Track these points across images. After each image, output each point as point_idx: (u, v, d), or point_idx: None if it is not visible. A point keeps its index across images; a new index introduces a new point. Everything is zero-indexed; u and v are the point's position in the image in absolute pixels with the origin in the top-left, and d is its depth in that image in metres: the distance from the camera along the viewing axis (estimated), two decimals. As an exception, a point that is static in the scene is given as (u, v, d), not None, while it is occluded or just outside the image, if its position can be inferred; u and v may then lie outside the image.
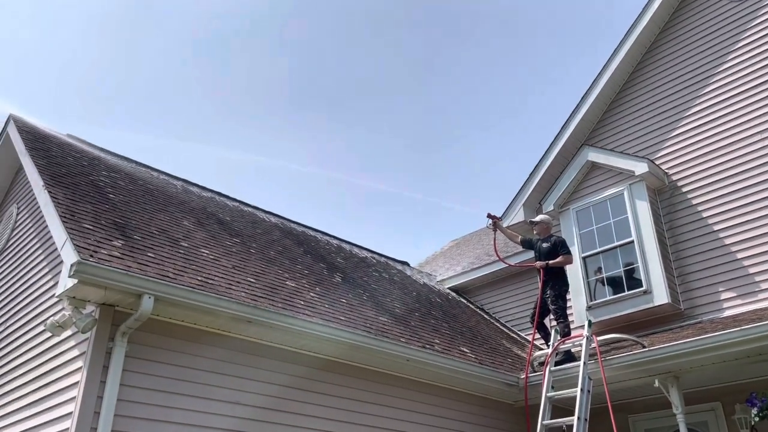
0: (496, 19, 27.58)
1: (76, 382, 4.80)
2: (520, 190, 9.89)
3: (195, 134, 28.97)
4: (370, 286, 8.91)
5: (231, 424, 5.32)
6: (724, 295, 7.90)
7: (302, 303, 6.32)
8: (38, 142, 7.44)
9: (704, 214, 8.37)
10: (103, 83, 27.10)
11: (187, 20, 25.68)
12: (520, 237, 8.55)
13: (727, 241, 8.06)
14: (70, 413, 4.69)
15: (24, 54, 25.62)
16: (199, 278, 5.50)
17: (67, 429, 4.63)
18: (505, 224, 9.60)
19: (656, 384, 6.50)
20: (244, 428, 5.38)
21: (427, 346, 6.99)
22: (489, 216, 8.44)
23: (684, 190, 8.67)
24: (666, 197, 8.82)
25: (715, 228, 8.22)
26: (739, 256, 7.90)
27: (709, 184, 8.45)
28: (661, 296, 8.06)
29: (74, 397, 4.72)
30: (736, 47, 8.74)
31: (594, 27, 28.02)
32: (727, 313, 7.76)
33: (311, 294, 6.83)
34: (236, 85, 28.74)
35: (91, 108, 27.37)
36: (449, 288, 11.32)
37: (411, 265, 12.53)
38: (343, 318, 6.49)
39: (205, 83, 28.28)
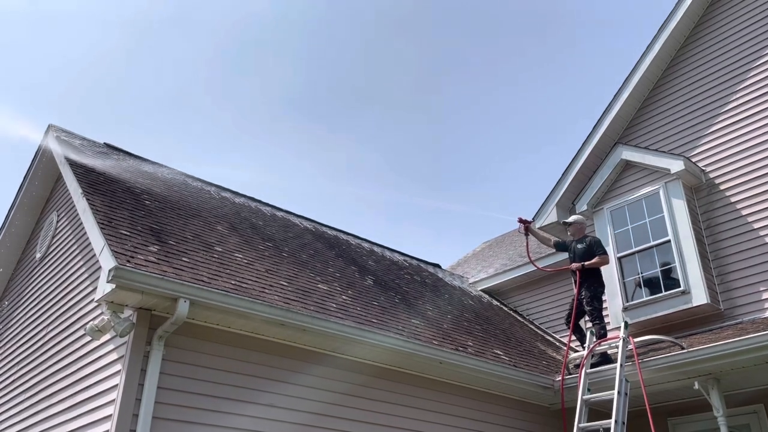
0: (520, 19, 27.39)
1: (115, 385, 4.90)
2: (553, 190, 9.78)
3: (214, 145, 29.40)
4: (401, 288, 8.90)
5: (266, 426, 5.36)
6: (765, 295, 7.70)
7: (334, 306, 6.35)
8: (76, 150, 7.63)
9: (743, 212, 8.17)
10: (128, 93, 27.68)
11: (210, 30, 26.07)
12: (553, 240, 8.44)
13: (768, 240, 7.86)
14: (110, 416, 4.78)
15: (56, 65, 26.33)
16: (233, 282, 5.57)
17: (107, 431, 4.72)
18: (537, 225, 9.51)
19: (696, 386, 6.36)
20: (279, 430, 5.42)
21: (460, 348, 6.96)
22: (520, 220, 8.31)
23: (722, 187, 8.48)
24: (703, 195, 8.64)
25: (756, 226, 8.02)
26: (781, 254, 7.70)
27: (748, 181, 8.25)
28: (699, 296, 7.89)
29: (113, 400, 4.82)
30: (774, 40, 8.53)
31: (626, 23, 27.63)
32: (770, 313, 7.56)
33: (343, 297, 6.86)
34: (248, 95, 29.07)
35: (118, 117, 28.01)
36: (482, 290, 11.25)
37: (443, 268, 12.49)
38: (375, 321, 6.50)
39: (219, 93, 28.69)
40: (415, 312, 7.74)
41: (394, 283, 9.05)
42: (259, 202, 10.03)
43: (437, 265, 12.30)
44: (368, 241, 11.22)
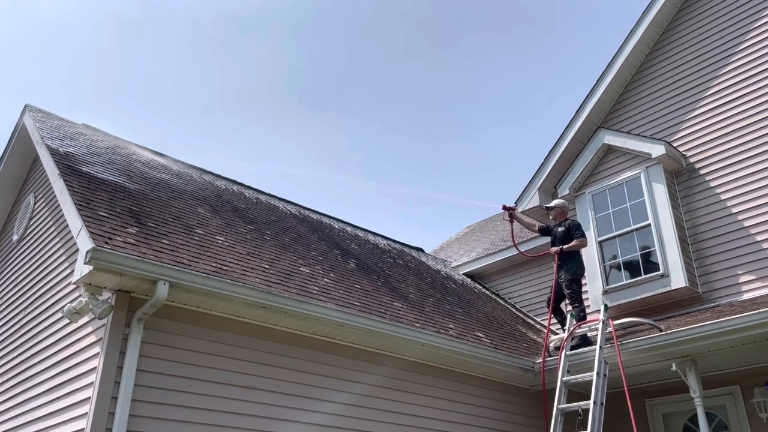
0: (506, 6, 27.29)
1: (94, 368, 4.85)
2: (535, 174, 9.81)
3: (199, 135, 29.09)
4: (384, 272, 8.91)
5: (247, 409, 5.36)
6: (742, 278, 7.80)
7: (316, 289, 6.33)
8: (54, 131, 7.50)
9: (723, 197, 8.26)
10: (113, 80, 27.26)
11: (191, 18, 25.69)
12: (538, 225, 8.48)
13: (746, 224, 7.94)
14: (88, 398, 4.75)
15: (38, 48, 25.83)
16: (214, 264, 5.53)
17: (86, 414, 4.69)
18: (520, 209, 9.54)
19: (674, 368, 6.45)
20: (259, 413, 5.42)
21: (442, 331, 6.99)
22: (504, 208, 8.32)
23: (702, 172, 8.55)
24: (683, 180, 8.71)
25: (734, 210, 8.11)
26: (759, 238, 7.79)
27: (727, 165, 8.32)
28: (678, 280, 7.98)
29: (92, 383, 4.78)
30: (755, 26, 8.57)
31: (607, 11, 27.63)
32: (746, 296, 7.66)
33: (325, 280, 6.84)
34: (235, 85, 28.75)
35: (103, 104, 27.60)
36: (464, 274, 11.30)
37: (426, 252, 12.52)
38: (357, 303, 6.50)
39: (199, 83, 28.33)
40: (397, 295, 7.75)
41: (377, 266, 9.05)
42: (242, 185, 9.95)
43: (420, 249, 12.32)
44: (352, 225, 11.20)
